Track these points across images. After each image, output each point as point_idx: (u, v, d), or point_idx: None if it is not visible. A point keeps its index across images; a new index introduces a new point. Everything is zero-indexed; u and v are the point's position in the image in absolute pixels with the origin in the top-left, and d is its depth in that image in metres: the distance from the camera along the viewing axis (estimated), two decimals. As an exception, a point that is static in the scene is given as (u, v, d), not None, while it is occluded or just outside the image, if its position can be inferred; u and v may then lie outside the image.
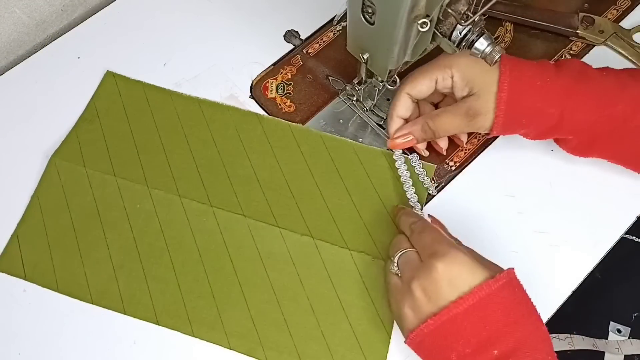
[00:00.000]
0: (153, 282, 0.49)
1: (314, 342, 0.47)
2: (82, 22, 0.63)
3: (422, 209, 0.49)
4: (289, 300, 0.48)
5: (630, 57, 0.57)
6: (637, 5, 0.61)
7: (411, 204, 0.49)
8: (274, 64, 0.59)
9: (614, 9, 0.60)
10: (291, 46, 0.60)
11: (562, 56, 0.58)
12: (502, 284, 0.39)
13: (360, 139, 0.54)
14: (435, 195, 0.52)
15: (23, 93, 0.59)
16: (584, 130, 0.46)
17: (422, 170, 0.52)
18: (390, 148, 0.52)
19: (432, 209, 0.52)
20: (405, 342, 0.41)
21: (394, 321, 0.46)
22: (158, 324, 0.48)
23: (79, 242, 0.50)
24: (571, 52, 0.58)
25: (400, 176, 0.51)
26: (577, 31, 0.58)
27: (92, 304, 0.48)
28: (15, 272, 0.50)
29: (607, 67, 0.47)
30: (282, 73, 0.58)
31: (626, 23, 0.60)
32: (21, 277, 0.49)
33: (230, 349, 0.47)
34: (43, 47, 0.61)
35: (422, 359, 0.42)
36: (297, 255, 0.50)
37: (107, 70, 0.58)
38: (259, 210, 0.51)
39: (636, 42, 0.58)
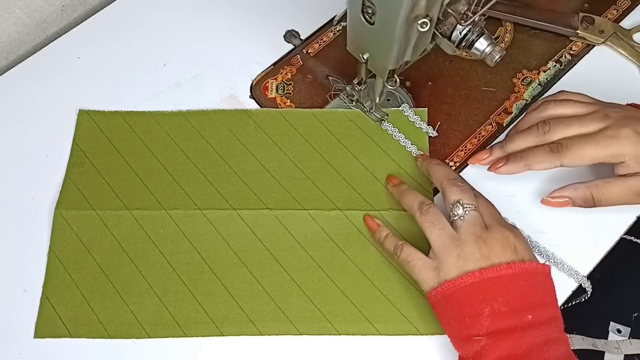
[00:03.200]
0: (203, 297, 0.48)
1: (376, 302, 0.47)
2: (82, 22, 0.63)
3: (421, 152, 0.52)
4: (339, 272, 0.49)
5: (630, 57, 0.57)
6: (637, 5, 0.60)
7: (414, 154, 0.53)
8: (274, 64, 0.59)
9: (614, 9, 0.60)
10: (291, 46, 0.60)
11: (562, 56, 0.58)
12: (546, 272, 0.42)
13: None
14: (436, 136, 0.54)
15: (23, 93, 0.59)
16: None
17: (415, 117, 0.54)
18: (546, 204, 0.50)
19: (432, 209, 0.52)
20: (432, 291, 0.42)
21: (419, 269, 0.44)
22: (222, 335, 0.47)
23: (114, 283, 0.49)
24: (571, 52, 0.58)
25: (387, 130, 0.54)
26: (577, 31, 0.58)
27: (150, 337, 0.47)
28: (58, 333, 0.47)
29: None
30: (282, 73, 0.58)
31: (626, 23, 0.60)
32: (67, 337, 0.47)
33: (301, 334, 0.47)
34: (43, 47, 0.61)
35: (447, 308, 0.42)
36: (332, 230, 0.50)
37: (80, 110, 0.57)
38: (280, 199, 0.52)
39: (636, 42, 0.58)
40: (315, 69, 0.58)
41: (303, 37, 0.61)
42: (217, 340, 0.47)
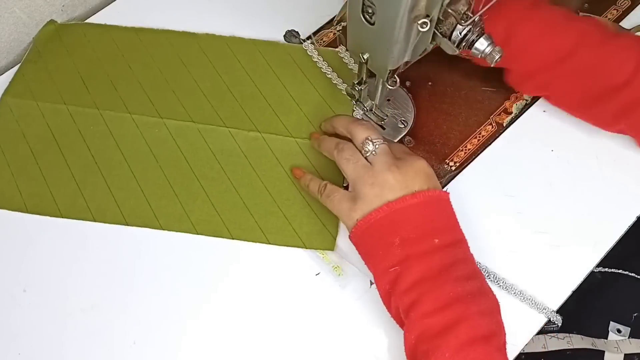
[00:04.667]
0: (117, 191, 0.53)
1: (273, 216, 0.51)
2: (82, 22, 0.63)
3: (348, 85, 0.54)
4: (245, 186, 0.53)
5: None
6: (637, 5, 0.61)
7: (343, 93, 0.56)
8: (274, 64, 0.59)
9: (614, 9, 0.60)
10: (291, 46, 0.60)
11: (562, 56, 0.58)
12: (448, 199, 0.45)
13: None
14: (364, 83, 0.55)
15: (23, 93, 0.59)
16: (527, 59, 0.49)
17: (350, 59, 0.57)
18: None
19: (432, 209, 0.52)
20: (350, 232, 0.44)
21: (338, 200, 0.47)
22: (127, 225, 0.52)
23: (41, 167, 0.54)
24: (571, 52, 0.58)
25: (321, 67, 0.57)
26: None
27: (62, 217, 0.52)
28: None
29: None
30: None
31: (626, 23, 0.60)
32: None
33: (198, 234, 0.51)
34: (43, 47, 0.61)
35: (364, 246, 0.44)
36: (248, 149, 0.54)
37: (48, 21, 0.62)
38: (206, 115, 0.56)
39: None
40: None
41: (303, 37, 0.61)
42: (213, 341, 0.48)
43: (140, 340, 0.48)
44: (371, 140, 0.45)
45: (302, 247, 0.50)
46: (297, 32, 0.61)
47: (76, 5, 0.65)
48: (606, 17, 0.60)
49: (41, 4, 0.62)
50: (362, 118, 0.54)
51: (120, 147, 0.55)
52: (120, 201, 0.52)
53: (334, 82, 0.56)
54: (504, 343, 0.41)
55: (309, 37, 0.59)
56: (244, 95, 0.57)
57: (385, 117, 0.55)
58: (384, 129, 0.55)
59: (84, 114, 0.56)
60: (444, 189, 0.52)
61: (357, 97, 0.55)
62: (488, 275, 0.48)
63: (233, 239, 0.51)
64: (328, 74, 0.57)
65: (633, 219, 0.51)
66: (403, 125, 0.55)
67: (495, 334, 0.40)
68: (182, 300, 0.49)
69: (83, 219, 0.52)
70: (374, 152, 0.45)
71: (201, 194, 0.52)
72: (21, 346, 0.48)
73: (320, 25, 0.61)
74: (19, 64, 0.60)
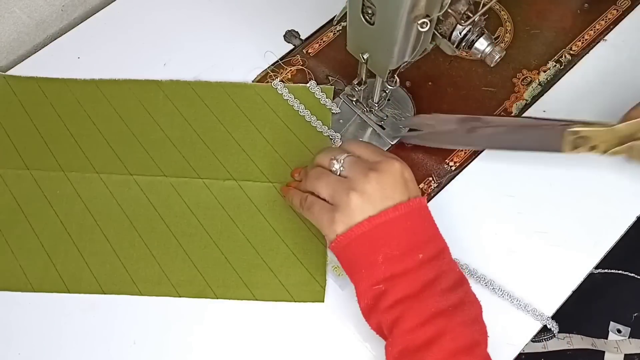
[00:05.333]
0: (90, 257, 0.50)
1: (257, 270, 0.49)
2: (82, 22, 0.63)
3: (331, 131, 0.54)
4: (226, 240, 0.50)
5: None
6: (637, 5, 0.61)
7: (319, 130, 0.54)
8: (274, 64, 0.59)
9: (614, 9, 0.61)
10: (291, 46, 0.60)
11: (562, 56, 0.58)
12: (425, 204, 0.43)
13: (361, 140, 0.54)
14: (338, 113, 0.56)
15: (23, 93, 0.59)
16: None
17: (322, 94, 0.56)
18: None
19: (432, 208, 0.52)
20: (331, 245, 0.42)
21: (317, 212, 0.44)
22: (104, 293, 0.49)
23: (7, 239, 0.51)
24: (571, 52, 0.58)
25: (293, 106, 0.55)
26: None
27: (34, 291, 0.49)
28: None
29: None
30: (282, 73, 0.58)
31: (626, 23, 0.60)
32: None
33: (180, 296, 0.49)
34: (43, 47, 0.61)
35: (346, 261, 0.43)
36: (224, 199, 0.52)
37: None
38: (178, 167, 0.53)
39: None
40: (315, 69, 0.58)
41: (303, 37, 0.61)
42: (212, 343, 0.48)
43: (140, 340, 0.48)
44: (335, 159, 0.43)
45: (290, 301, 0.48)
46: (297, 32, 0.61)
47: (76, 5, 0.65)
48: (606, 17, 0.60)
49: (41, 4, 0.62)
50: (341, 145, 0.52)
51: (89, 209, 0.52)
52: (95, 268, 0.49)
53: (307, 119, 0.55)
54: (486, 347, 0.40)
55: (277, 68, 0.58)
56: (215, 142, 0.54)
57: (385, 117, 0.55)
58: (384, 129, 0.55)
59: (48, 177, 0.53)
60: (444, 189, 0.53)
61: (357, 97, 0.55)
62: (484, 281, 0.48)
63: (217, 298, 0.48)
64: (301, 112, 0.55)
65: (633, 219, 0.51)
66: (402, 127, 0.55)
67: (479, 342, 0.40)
68: (182, 299, 0.49)
69: (57, 292, 0.49)
70: (342, 168, 0.43)
71: (180, 252, 0.50)
72: (21, 346, 0.48)
73: (320, 25, 0.61)
74: None
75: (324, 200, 0.43)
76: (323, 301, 0.48)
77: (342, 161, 0.43)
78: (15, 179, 0.53)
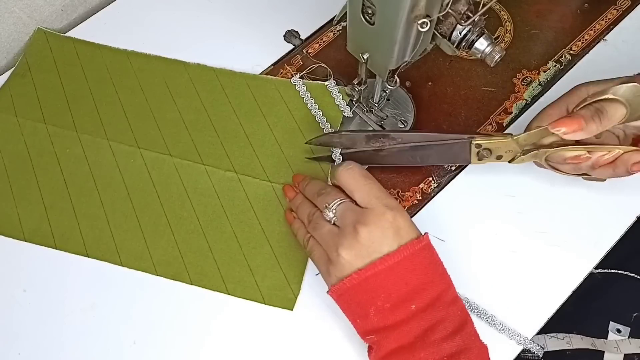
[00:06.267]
0: (83, 219, 0.52)
1: (236, 265, 0.50)
2: (82, 22, 0.63)
3: (333, 129, 0.53)
4: (214, 229, 0.51)
5: None
6: (637, 5, 0.61)
7: (325, 130, 0.53)
8: (274, 64, 0.59)
9: (614, 9, 0.61)
10: (291, 46, 0.60)
11: (562, 56, 0.58)
12: (423, 245, 0.41)
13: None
14: (351, 117, 0.55)
15: (23, 93, 0.59)
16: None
17: (338, 94, 0.55)
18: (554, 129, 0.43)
19: (432, 208, 0.52)
20: (328, 291, 0.43)
21: (317, 261, 0.45)
22: (88, 256, 0.50)
23: (12, 186, 0.53)
24: (571, 52, 0.58)
25: (307, 104, 0.55)
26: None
27: (25, 241, 0.51)
28: None
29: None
30: (282, 73, 0.58)
31: (626, 23, 0.60)
32: None
33: (157, 275, 0.49)
34: (43, 47, 0.61)
35: (342, 308, 0.44)
36: (222, 190, 0.53)
37: (38, 27, 0.62)
38: (184, 150, 0.54)
39: None
40: (316, 69, 0.58)
41: (303, 37, 0.61)
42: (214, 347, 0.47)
43: (140, 340, 0.48)
44: (328, 206, 0.44)
45: (261, 302, 0.48)
46: (297, 32, 0.61)
47: (76, 5, 0.65)
48: (606, 17, 0.60)
49: (41, 4, 0.62)
50: (342, 157, 0.51)
51: (93, 173, 0.53)
52: (85, 230, 0.51)
53: (317, 120, 0.54)
54: None
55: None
56: (226, 131, 0.55)
57: (385, 117, 0.55)
58: (384, 128, 0.55)
59: (62, 135, 0.55)
60: (444, 189, 0.53)
61: (357, 97, 0.55)
62: (467, 305, 0.47)
63: (192, 284, 0.49)
64: (313, 112, 0.55)
65: (633, 219, 0.51)
66: (403, 125, 0.55)
67: None
68: (182, 299, 0.49)
69: (45, 245, 0.51)
70: (335, 219, 0.43)
71: (167, 232, 0.51)
72: (21, 346, 0.48)
73: (320, 25, 0.61)
74: (7, 78, 0.59)
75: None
76: (292, 309, 0.48)
77: (334, 210, 0.43)
78: (32, 130, 0.56)
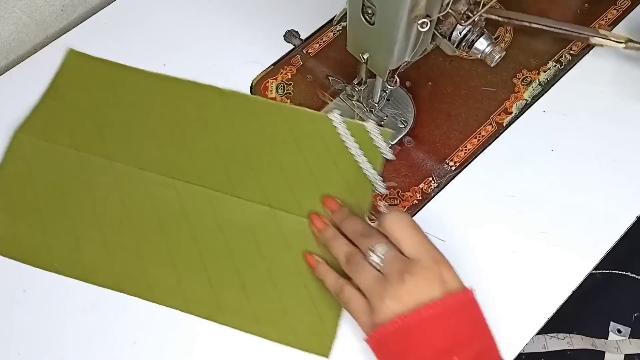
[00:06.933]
0: (114, 251, 0.50)
1: (271, 305, 0.47)
2: (82, 22, 0.63)
3: (379, 177, 0.51)
4: (247, 266, 0.49)
5: None
6: (637, 5, 0.61)
7: (366, 173, 0.51)
8: (274, 64, 0.59)
9: (614, 9, 0.61)
10: (291, 46, 0.60)
11: (562, 56, 0.58)
12: (470, 299, 0.41)
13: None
14: (393, 160, 0.53)
15: (23, 93, 0.59)
16: None
17: (378, 136, 0.52)
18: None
19: (432, 208, 0.52)
20: (366, 339, 0.41)
21: (355, 312, 0.43)
22: (120, 291, 0.49)
23: (42, 214, 0.51)
24: (571, 52, 0.58)
25: (345, 142, 0.52)
26: (600, 30, 0.56)
27: (55, 272, 0.49)
28: None
29: None
30: (282, 73, 0.58)
31: (626, 23, 0.59)
32: None
33: (189, 313, 0.48)
34: (43, 47, 0.61)
35: (379, 357, 0.42)
36: (256, 224, 0.50)
37: (71, 49, 0.60)
38: (218, 181, 0.52)
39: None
40: (315, 69, 0.58)
41: (303, 37, 0.61)
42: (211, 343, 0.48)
43: (140, 340, 0.48)
44: (373, 250, 0.42)
45: (295, 347, 0.46)
46: (297, 32, 0.61)
47: (76, 5, 0.65)
48: (606, 17, 0.60)
49: (41, 4, 0.62)
50: (381, 199, 0.51)
51: (125, 203, 0.51)
52: (116, 263, 0.49)
53: (357, 159, 0.52)
54: None
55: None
56: (262, 163, 0.52)
57: (385, 117, 0.55)
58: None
59: (94, 162, 0.53)
60: (444, 189, 0.53)
61: (357, 97, 0.55)
62: None
63: (225, 325, 0.47)
64: (352, 150, 0.52)
65: (633, 219, 0.51)
66: (403, 125, 0.55)
67: None
68: (182, 300, 0.49)
69: (75, 278, 0.49)
70: (380, 264, 0.41)
71: (199, 269, 0.49)
72: (21, 346, 0.48)
73: (320, 25, 0.61)
74: (39, 101, 0.57)
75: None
76: (328, 356, 0.46)
77: (381, 255, 0.42)
78: (63, 156, 0.54)
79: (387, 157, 0.53)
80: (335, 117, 0.53)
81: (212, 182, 0.52)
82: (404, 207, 0.52)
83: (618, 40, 0.54)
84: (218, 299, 0.48)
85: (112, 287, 0.49)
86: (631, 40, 0.54)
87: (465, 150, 0.54)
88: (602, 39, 0.55)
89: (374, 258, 0.42)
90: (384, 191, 0.52)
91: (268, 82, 0.58)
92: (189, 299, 0.48)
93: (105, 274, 0.49)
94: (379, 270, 0.42)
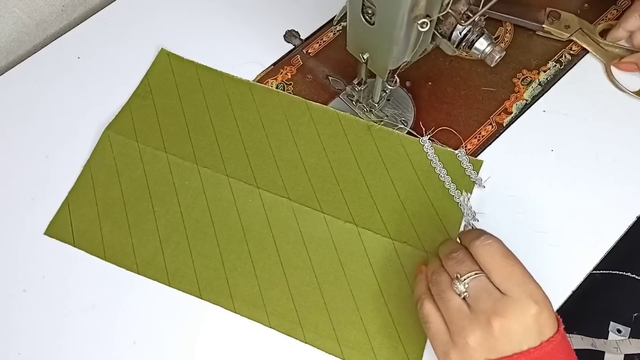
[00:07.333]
0: (198, 256, 0.50)
1: (352, 327, 0.47)
2: (82, 22, 0.63)
3: (472, 211, 0.50)
4: (330, 284, 0.48)
5: (594, 53, 0.57)
6: (637, 5, 0.60)
7: (456, 200, 0.51)
8: (274, 64, 0.59)
9: (614, 9, 0.61)
10: (291, 46, 0.60)
11: (562, 56, 0.58)
12: (562, 337, 0.37)
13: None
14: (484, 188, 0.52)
15: (23, 93, 0.59)
16: None
17: (469, 164, 0.52)
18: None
19: (432, 209, 0.52)
20: None
21: (432, 334, 0.40)
22: (201, 298, 0.48)
23: (128, 214, 0.52)
24: (571, 52, 0.58)
25: (435, 167, 0.52)
26: (543, 25, 0.58)
27: (138, 273, 0.49)
28: (64, 237, 0.51)
29: None
30: (282, 73, 0.58)
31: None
32: (69, 243, 0.51)
33: (270, 327, 0.47)
34: (43, 47, 0.61)
35: None
36: (340, 242, 0.50)
37: (162, 48, 0.60)
38: (303, 194, 0.52)
39: (601, 39, 0.57)
40: (315, 69, 0.58)
41: (303, 37, 0.61)
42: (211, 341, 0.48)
43: (140, 340, 0.48)
44: (459, 279, 0.38)
45: None
46: (297, 32, 0.61)
47: (76, 5, 0.65)
48: (606, 17, 0.60)
49: (41, 4, 0.62)
50: (468, 225, 0.50)
51: (210, 209, 0.51)
52: (199, 269, 0.49)
53: (447, 186, 0.51)
54: None
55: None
56: (346, 180, 0.52)
57: (385, 117, 0.55)
58: (384, 129, 0.55)
59: (182, 166, 0.53)
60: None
61: (357, 97, 0.55)
62: None
63: (306, 343, 0.46)
64: (442, 177, 0.52)
65: (633, 219, 0.51)
66: (403, 125, 0.55)
67: None
68: (183, 299, 0.49)
69: (158, 281, 0.49)
70: (466, 293, 0.38)
71: (282, 282, 0.48)
72: (21, 346, 0.48)
73: (320, 25, 0.61)
74: (129, 98, 0.57)
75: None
76: None
77: (467, 284, 0.38)
78: (152, 158, 0.54)
79: (478, 185, 0.52)
80: (425, 141, 0.53)
81: (297, 195, 0.52)
82: (404, 207, 0.52)
83: (560, 39, 0.58)
84: (300, 316, 0.47)
85: (194, 294, 0.48)
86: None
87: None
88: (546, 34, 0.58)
89: (459, 286, 0.38)
90: (477, 226, 0.50)
91: (268, 82, 0.58)
92: (271, 312, 0.48)
93: (189, 280, 0.49)
94: (464, 299, 0.38)
